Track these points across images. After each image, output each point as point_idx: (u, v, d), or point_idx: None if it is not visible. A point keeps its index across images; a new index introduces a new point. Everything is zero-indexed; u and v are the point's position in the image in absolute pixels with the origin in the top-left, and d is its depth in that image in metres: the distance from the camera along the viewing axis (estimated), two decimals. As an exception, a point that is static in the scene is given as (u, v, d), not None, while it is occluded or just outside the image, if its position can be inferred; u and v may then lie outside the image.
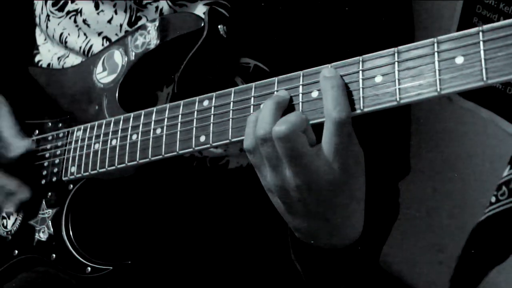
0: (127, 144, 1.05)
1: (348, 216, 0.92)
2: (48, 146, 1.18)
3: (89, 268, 1.07)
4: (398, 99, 0.82)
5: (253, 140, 0.88)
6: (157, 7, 1.13)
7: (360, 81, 0.85)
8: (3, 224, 1.19)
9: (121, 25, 1.16)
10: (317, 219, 0.91)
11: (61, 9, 1.22)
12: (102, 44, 1.18)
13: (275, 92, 0.90)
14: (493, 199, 1.20)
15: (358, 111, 0.85)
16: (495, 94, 1.39)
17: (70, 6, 1.21)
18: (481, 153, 1.46)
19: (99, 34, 1.18)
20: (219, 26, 1.08)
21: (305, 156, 0.85)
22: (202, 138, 0.97)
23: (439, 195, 1.56)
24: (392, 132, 1.12)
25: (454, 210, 1.51)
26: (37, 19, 1.28)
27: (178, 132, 0.99)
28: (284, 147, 0.85)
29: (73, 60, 1.22)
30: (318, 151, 0.86)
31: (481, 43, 0.77)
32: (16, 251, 1.16)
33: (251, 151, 0.89)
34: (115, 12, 1.16)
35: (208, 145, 0.96)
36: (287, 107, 0.89)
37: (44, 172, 1.17)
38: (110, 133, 1.08)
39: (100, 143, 1.09)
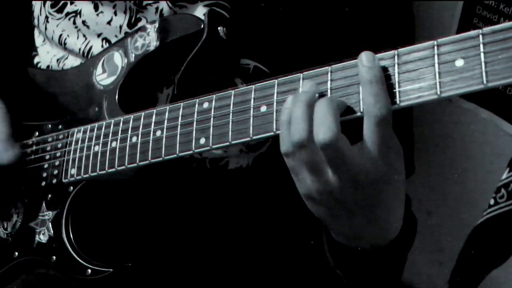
0: (127, 146, 1.05)
1: (390, 213, 0.91)
2: (48, 148, 1.18)
3: (89, 270, 1.07)
4: (398, 102, 0.82)
5: (290, 145, 0.86)
6: (157, 8, 1.13)
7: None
8: (3, 226, 1.19)
9: (120, 27, 1.16)
10: (361, 220, 0.89)
11: (60, 11, 1.21)
12: (102, 46, 1.18)
13: (300, 89, 0.87)
14: (492, 202, 1.20)
15: (358, 114, 0.85)
16: (495, 95, 1.39)
17: (69, 8, 1.20)
18: (480, 154, 1.46)
19: (99, 35, 1.18)
20: (219, 28, 1.07)
21: (349, 158, 0.83)
22: (202, 141, 0.96)
23: (439, 195, 1.56)
24: (396, 132, 1.12)
25: (454, 210, 1.52)
26: (35, 21, 1.28)
27: (178, 134, 0.99)
28: (327, 153, 0.83)
29: (73, 61, 1.22)
30: (361, 150, 0.84)
31: (481, 45, 0.77)
32: (16, 253, 1.16)
33: (288, 155, 0.87)
34: (115, 13, 1.16)
35: (208, 148, 0.96)
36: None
37: (44, 174, 1.16)
38: (110, 134, 1.07)
39: (100, 145, 1.08)
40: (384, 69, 0.83)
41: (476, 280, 1.22)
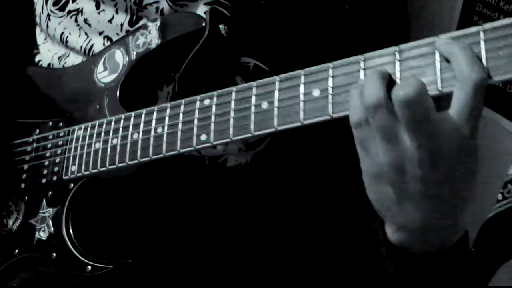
0: (128, 143, 1.05)
1: (466, 201, 0.82)
2: (49, 145, 1.18)
3: (89, 267, 1.07)
4: (399, 98, 0.82)
5: (363, 111, 0.79)
6: (157, 8, 1.13)
7: (361, 80, 0.85)
8: (3, 223, 1.19)
9: (122, 25, 1.16)
10: (434, 206, 0.80)
11: (62, 9, 1.22)
12: (103, 44, 1.18)
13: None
14: (500, 197, 1.20)
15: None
16: (495, 93, 1.39)
17: (71, 6, 1.21)
18: (480, 152, 1.46)
19: (100, 33, 1.18)
20: (220, 26, 1.08)
21: (433, 121, 0.76)
22: (203, 137, 0.97)
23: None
24: None
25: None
26: (37, 19, 1.28)
27: (179, 131, 0.99)
28: (410, 111, 0.75)
29: (74, 59, 1.22)
30: (446, 117, 0.77)
31: (482, 42, 0.77)
32: (17, 250, 1.16)
33: (360, 124, 0.80)
34: (116, 11, 1.16)
35: (209, 144, 0.96)
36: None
37: (45, 171, 1.17)
38: (111, 132, 1.08)
39: (101, 142, 1.09)
40: (385, 65, 0.83)
41: (489, 273, 1.22)
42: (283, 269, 1.21)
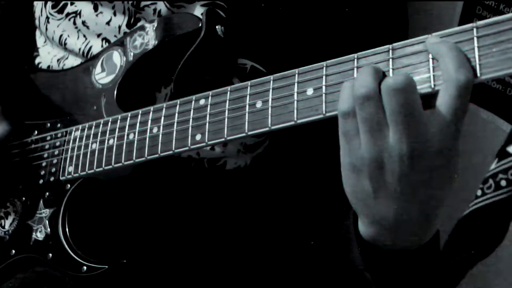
0: (124, 144, 1.05)
1: (441, 201, 0.83)
2: (46, 146, 1.18)
3: (84, 267, 1.07)
4: (391, 96, 0.82)
5: (351, 101, 0.80)
6: (155, 9, 1.14)
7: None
8: (0, 224, 1.20)
9: (119, 27, 1.16)
10: (408, 204, 0.81)
11: (60, 11, 1.22)
12: (102, 46, 1.18)
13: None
14: (479, 193, 1.19)
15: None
16: (495, 95, 1.39)
17: (69, 8, 1.21)
18: (480, 154, 1.45)
19: (98, 35, 1.18)
20: (217, 27, 1.08)
21: (418, 115, 0.77)
22: (198, 137, 0.97)
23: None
24: None
25: (454, 210, 1.51)
26: (36, 21, 1.29)
27: (174, 131, 0.99)
28: (398, 101, 0.77)
29: (73, 61, 1.22)
30: (432, 114, 0.78)
31: (475, 39, 0.77)
32: (14, 251, 1.16)
33: (347, 114, 0.81)
34: (114, 13, 1.17)
35: (204, 144, 0.96)
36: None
37: (42, 172, 1.17)
38: (108, 132, 1.08)
39: (97, 142, 1.09)
40: (378, 64, 0.83)
41: (462, 271, 1.21)
42: (281, 271, 1.21)
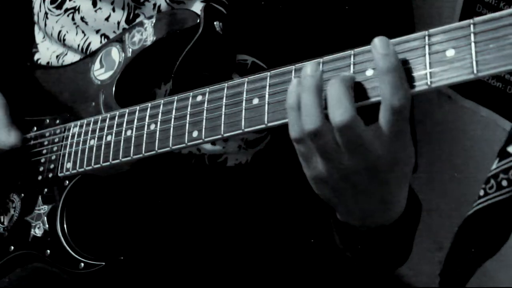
0: (122, 140, 1.05)
1: (398, 192, 0.90)
2: (45, 142, 1.18)
3: (82, 264, 1.07)
4: (388, 92, 0.81)
5: (301, 132, 0.83)
6: (154, 4, 1.13)
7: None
8: (-1, 220, 1.20)
9: (118, 23, 1.16)
10: (368, 199, 0.88)
11: (59, 7, 1.22)
12: (101, 42, 1.18)
13: (304, 73, 0.84)
14: (482, 193, 1.19)
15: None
16: (495, 93, 1.39)
17: (68, 4, 1.21)
18: (480, 152, 1.45)
19: (97, 31, 1.18)
20: (215, 23, 1.08)
21: (365, 140, 0.81)
22: (195, 133, 0.96)
23: (439, 194, 1.55)
24: None
25: (453, 209, 1.51)
26: (35, 17, 1.28)
27: (172, 128, 0.99)
28: (344, 136, 0.81)
29: (72, 58, 1.22)
30: (376, 133, 0.82)
31: (472, 35, 0.77)
32: (12, 247, 1.16)
33: (299, 142, 0.85)
34: (113, 9, 1.16)
35: (201, 141, 0.96)
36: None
37: (41, 168, 1.17)
38: (105, 128, 1.08)
39: (96, 139, 1.09)
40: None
41: (468, 272, 1.21)
42: (282, 268, 1.21)
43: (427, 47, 0.80)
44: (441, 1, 1.45)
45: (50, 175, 1.15)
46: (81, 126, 1.12)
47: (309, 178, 0.88)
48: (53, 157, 1.16)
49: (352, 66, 0.85)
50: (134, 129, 1.04)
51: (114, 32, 1.17)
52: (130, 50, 1.12)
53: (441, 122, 1.51)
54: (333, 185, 0.86)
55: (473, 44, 0.77)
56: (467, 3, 1.42)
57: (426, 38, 0.80)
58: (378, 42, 0.81)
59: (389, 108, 0.79)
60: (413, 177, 1.16)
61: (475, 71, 0.76)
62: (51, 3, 1.23)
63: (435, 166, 1.53)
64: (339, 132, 0.80)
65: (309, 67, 0.83)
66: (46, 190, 1.15)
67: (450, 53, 0.78)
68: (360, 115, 0.81)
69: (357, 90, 0.83)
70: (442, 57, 0.79)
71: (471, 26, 0.77)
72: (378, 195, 0.88)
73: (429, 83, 0.79)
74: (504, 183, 1.13)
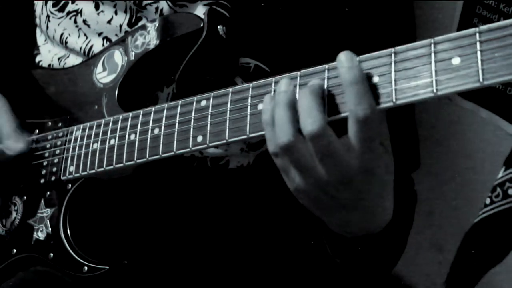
0: (125, 144, 1.05)
1: (380, 201, 0.92)
2: (48, 146, 1.18)
3: (85, 268, 1.07)
4: (394, 100, 0.82)
5: (276, 147, 0.86)
6: (157, 8, 1.13)
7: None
8: (2, 223, 1.20)
9: (120, 26, 1.16)
10: (350, 210, 0.91)
11: (61, 10, 1.22)
12: (103, 45, 1.18)
13: (279, 89, 0.86)
14: (488, 201, 1.20)
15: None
16: (495, 95, 1.39)
17: (70, 7, 1.21)
18: (480, 153, 1.46)
19: (99, 34, 1.18)
20: (218, 27, 1.08)
21: (337, 149, 0.83)
22: (199, 138, 0.97)
23: (439, 195, 1.55)
24: (400, 126, 1.11)
25: (454, 210, 1.51)
26: (37, 20, 1.28)
27: (176, 132, 0.99)
28: (316, 145, 0.83)
29: (74, 60, 1.22)
30: (347, 145, 0.84)
31: (478, 43, 0.77)
32: (15, 250, 1.16)
33: (276, 155, 0.88)
34: (115, 12, 1.16)
35: (205, 145, 0.96)
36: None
37: (43, 172, 1.17)
38: (109, 132, 1.08)
39: (99, 142, 1.09)
40: (381, 67, 0.83)
41: (474, 279, 1.22)
42: (285, 269, 1.21)
43: (433, 55, 0.80)
44: (441, 3, 1.45)
45: (53, 178, 1.15)
46: (84, 130, 1.12)
47: (292, 190, 0.91)
48: (56, 160, 1.16)
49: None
50: (138, 133, 1.04)
51: (116, 35, 1.17)
52: (133, 53, 1.12)
53: (441, 123, 1.51)
54: (313, 197, 0.89)
55: (479, 53, 0.77)
56: (467, 5, 1.42)
57: (432, 46, 0.80)
58: (343, 56, 0.83)
59: (354, 119, 0.82)
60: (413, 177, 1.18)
61: (481, 80, 0.76)
62: (53, 6, 1.22)
63: (435, 167, 1.53)
64: (310, 141, 0.83)
65: (283, 83, 0.86)
66: (48, 193, 1.15)
67: (456, 61, 0.78)
68: (337, 130, 0.84)
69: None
70: (448, 65, 0.79)
71: (477, 34, 0.77)
72: (359, 207, 0.90)
73: (435, 90, 0.79)
74: (511, 191, 1.14)
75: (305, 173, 0.86)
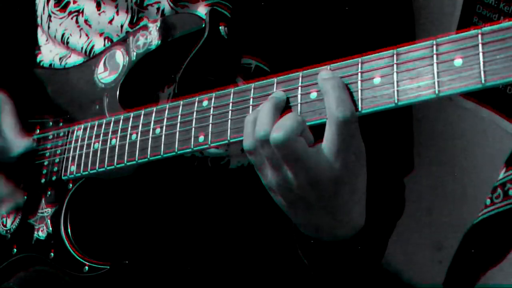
0: (127, 144, 1.05)
1: (349, 209, 0.93)
2: (49, 145, 1.18)
3: (86, 267, 1.07)
4: (396, 101, 0.82)
5: (253, 141, 0.89)
6: (158, 8, 1.13)
7: (359, 82, 0.85)
8: (2, 223, 1.20)
9: (122, 26, 1.16)
10: (319, 214, 0.92)
11: (63, 9, 1.22)
12: (104, 44, 1.18)
13: (273, 93, 0.90)
14: (488, 202, 1.20)
15: (356, 113, 0.85)
16: (495, 94, 1.39)
17: (72, 6, 1.21)
18: (480, 152, 1.46)
19: (101, 34, 1.18)
20: (220, 27, 1.08)
21: (304, 157, 0.86)
22: (201, 138, 0.97)
23: (439, 193, 1.55)
24: (395, 129, 1.12)
25: (453, 209, 1.51)
26: (38, 20, 1.28)
27: (177, 132, 0.99)
28: (282, 152, 0.86)
29: (75, 60, 1.22)
30: (318, 150, 0.86)
31: (480, 45, 0.77)
32: (15, 250, 1.16)
33: (251, 152, 0.90)
34: (117, 12, 1.16)
35: (207, 145, 0.96)
36: (285, 107, 0.89)
37: (44, 171, 1.17)
38: (110, 132, 1.08)
39: (100, 142, 1.09)
40: (383, 68, 0.83)
41: (472, 280, 1.22)
42: (285, 268, 1.21)
43: (435, 56, 0.80)
44: (441, 1, 1.45)
45: (54, 177, 1.15)
46: (85, 129, 1.12)
47: (266, 187, 0.94)
48: (57, 160, 1.16)
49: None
50: (139, 133, 1.04)
51: (117, 35, 1.17)
52: (135, 53, 1.12)
53: (442, 122, 1.51)
54: (285, 197, 0.91)
55: (481, 54, 0.77)
56: (467, 3, 1.42)
57: (434, 47, 0.80)
58: (322, 72, 0.87)
59: (333, 120, 0.84)
60: (412, 177, 1.18)
61: (483, 81, 0.77)
62: (55, 5, 1.22)
63: (435, 166, 1.53)
64: (274, 148, 0.86)
65: (279, 91, 0.90)
66: (49, 192, 1.15)
67: (458, 62, 0.79)
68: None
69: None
70: (450, 66, 0.79)
71: (479, 36, 0.77)
72: (328, 210, 0.92)
73: (437, 91, 0.79)
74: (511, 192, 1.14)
75: (276, 170, 0.89)
